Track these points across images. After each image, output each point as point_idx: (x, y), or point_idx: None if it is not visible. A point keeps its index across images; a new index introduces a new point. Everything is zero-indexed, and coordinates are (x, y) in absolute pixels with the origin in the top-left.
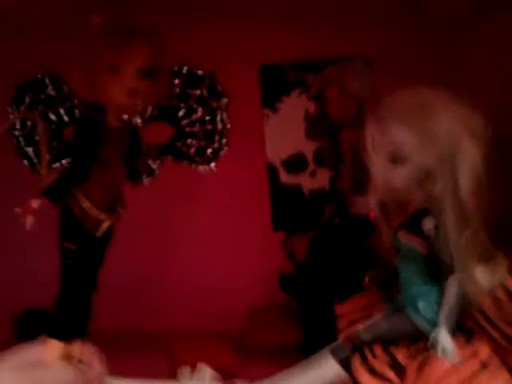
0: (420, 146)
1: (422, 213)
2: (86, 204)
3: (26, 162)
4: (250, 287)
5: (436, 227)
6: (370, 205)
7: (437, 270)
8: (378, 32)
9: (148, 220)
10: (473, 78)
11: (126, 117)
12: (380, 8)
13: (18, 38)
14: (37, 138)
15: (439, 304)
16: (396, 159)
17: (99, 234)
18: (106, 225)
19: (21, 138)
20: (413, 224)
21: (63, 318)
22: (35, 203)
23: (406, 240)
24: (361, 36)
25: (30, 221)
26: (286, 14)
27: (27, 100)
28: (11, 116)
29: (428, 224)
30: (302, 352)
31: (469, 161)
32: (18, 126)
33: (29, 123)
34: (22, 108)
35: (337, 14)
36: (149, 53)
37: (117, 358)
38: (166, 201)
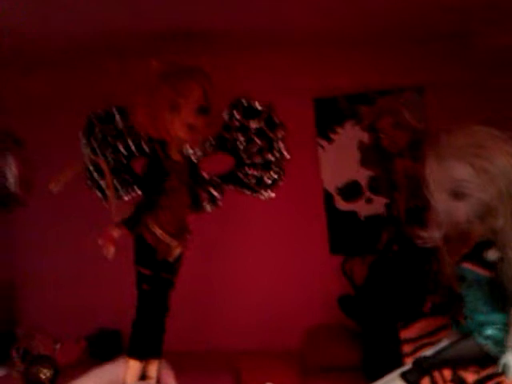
0: (479, 183)
1: (485, 244)
2: (159, 231)
3: (98, 193)
4: (310, 308)
5: (500, 259)
6: (432, 237)
7: (502, 298)
8: (430, 63)
9: (212, 245)
10: None
11: (186, 150)
12: (432, 39)
13: (88, 71)
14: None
15: (506, 330)
16: (457, 195)
17: (172, 259)
18: (177, 250)
19: (94, 171)
20: (476, 255)
21: (140, 339)
22: (116, 233)
23: (471, 269)
24: (413, 67)
25: (111, 250)
26: (338, 46)
27: (97, 132)
28: (83, 151)
29: (492, 255)
30: (364, 373)
31: None
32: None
33: (97, 154)
34: (92, 141)
35: (389, 45)
36: (203, 92)
37: (186, 378)
38: (229, 227)
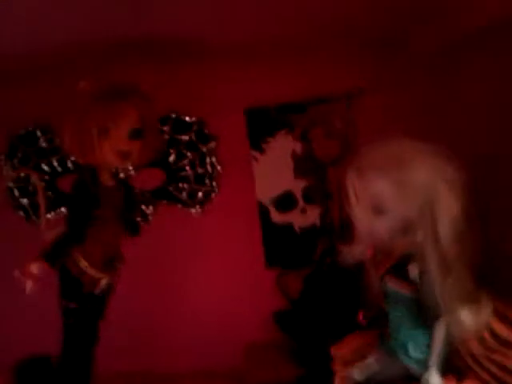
0: (398, 197)
1: (407, 259)
2: (83, 264)
3: (21, 213)
4: (248, 325)
5: (421, 273)
6: (355, 252)
7: (425, 313)
8: (361, 72)
9: (145, 262)
10: (456, 117)
11: (119, 173)
12: (364, 47)
13: (8, 90)
14: (31, 189)
15: (429, 346)
16: (377, 210)
17: (98, 292)
18: (103, 283)
19: (15, 190)
20: (399, 269)
21: (67, 373)
22: (34, 268)
23: (394, 285)
24: (344, 76)
25: (29, 285)
26: (268, 56)
27: (20, 154)
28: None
29: (413, 270)
30: None
31: (446, 210)
32: (11, 179)
33: (22, 175)
34: (15, 162)
35: (320, 54)
36: (136, 114)
37: None
38: (162, 244)
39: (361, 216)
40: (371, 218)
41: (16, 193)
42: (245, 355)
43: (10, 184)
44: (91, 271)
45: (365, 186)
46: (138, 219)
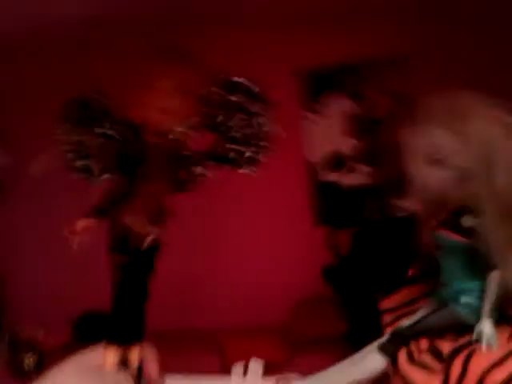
0: (455, 148)
1: (461, 211)
2: (130, 219)
3: (79, 175)
4: (297, 282)
5: (476, 223)
6: (409, 204)
7: (479, 265)
8: (413, 31)
9: (197, 222)
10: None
11: (167, 131)
12: (414, 6)
13: (62, 57)
14: (87, 151)
15: (482, 296)
16: (433, 161)
17: (144, 247)
18: (149, 238)
19: (70, 153)
20: (453, 222)
21: (119, 326)
22: (80, 225)
23: (448, 235)
24: (396, 36)
25: (76, 241)
26: (321, 20)
27: (74, 117)
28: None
29: (468, 222)
30: (348, 342)
31: (504, 160)
32: (66, 141)
33: (75, 138)
34: (68, 125)
35: (372, 15)
36: (181, 74)
37: (171, 356)
38: (213, 204)
39: (416, 168)
40: (427, 169)
41: (71, 155)
42: (293, 311)
43: (66, 146)
44: (137, 226)
45: (420, 136)
46: (186, 178)
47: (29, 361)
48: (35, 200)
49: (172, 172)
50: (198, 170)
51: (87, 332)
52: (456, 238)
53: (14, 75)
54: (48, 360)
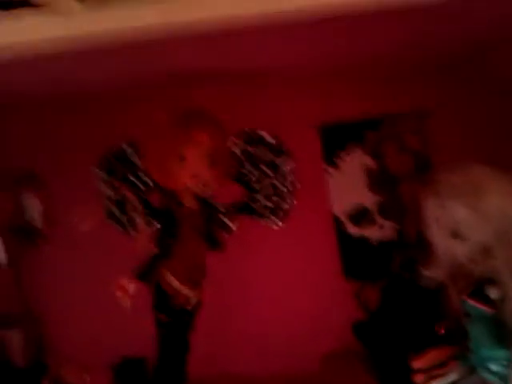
0: (476, 224)
1: (487, 282)
2: (176, 284)
3: (118, 226)
4: (326, 335)
5: (500, 296)
6: (434, 275)
7: (505, 334)
8: (435, 89)
9: (227, 273)
10: None
11: (201, 194)
12: (439, 65)
13: (101, 114)
14: (125, 203)
15: (509, 363)
16: (455, 235)
17: (190, 308)
18: (194, 300)
19: (112, 205)
20: (480, 292)
21: (163, 377)
22: (130, 288)
23: (475, 304)
24: (417, 92)
25: (127, 302)
26: (343, 76)
27: (111, 169)
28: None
29: (494, 293)
30: None
31: None
32: (107, 194)
33: (116, 189)
34: (105, 176)
35: (393, 71)
36: (208, 137)
37: None
38: (243, 255)
39: (440, 240)
40: (450, 242)
41: (113, 207)
42: (322, 364)
43: (106, 198)
44: (184, 290)
45: (444, 213)
46: (221, 234)
47: None
48: (73, 248)
49: (208, 231)
50: (231, 222)
51: (127, 378)
52: (483, 307)
53: (56, 129)
54: None
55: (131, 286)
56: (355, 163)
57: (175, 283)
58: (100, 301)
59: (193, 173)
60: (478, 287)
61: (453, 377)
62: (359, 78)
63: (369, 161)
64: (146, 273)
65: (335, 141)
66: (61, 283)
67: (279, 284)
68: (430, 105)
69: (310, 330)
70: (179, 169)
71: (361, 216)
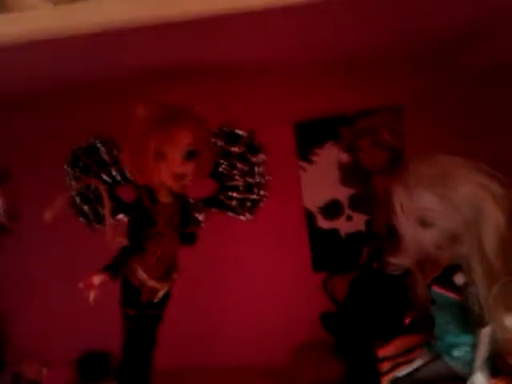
0: (445, 212)
1: (453, 268)
2: (143, 276)
3: (82, 219)
4: (295, 326)
5: (467, 283)
6: (402, 263)
7: (470, 320)
8: (408, 82)
9: (197, 266)
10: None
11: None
12: (411, 58)
13: (72, 104)
14: (93, 197)
15: (474, 350)
16: (423, 223)
17: (157, 299)
18: (161, 293)
19: (77, 197)
20: (446, 279)
21: (127, 373)
22: (96, 280)
23: (441, 291)
24: (391, 87)
25: (92, 296)
26: (316, 71)
27: (81, 164)
28: (69, 182)
29: (459, 280)
30: None
31: (492, 224)
32: (73, 187)
33: (84, 184)
34: (76, 171)
35: (366, 66)
36: (190, 137)
37: None
38: (213, 249)
39: (407, 228)
40: (418, 231)
41: (78, 200)
42: (292, 356)
43: (73, 193)
44: (151, 283)
45: (411, 201)
46: (194, 230)
47: None
48: (37, 243)
49: (182, 226)
50: (201, 216)
51: (90, 372)
52: (449, 294)
53: (23, 123)
54: None
55: (97, 279)
56: (330, 159)
57: (144, 276)
58: (64, 295)
59: (172, 171)
60: (443, 274)
61: (418, 363)
62: (335, 72)
63: (343, 156)
64: (115, 265)
65: (311, 137)
66: (24, 278)
67: (249, 277)
68: (404, 99)
69: (281, 322)
70: (157, 165)
71: (332, 209)
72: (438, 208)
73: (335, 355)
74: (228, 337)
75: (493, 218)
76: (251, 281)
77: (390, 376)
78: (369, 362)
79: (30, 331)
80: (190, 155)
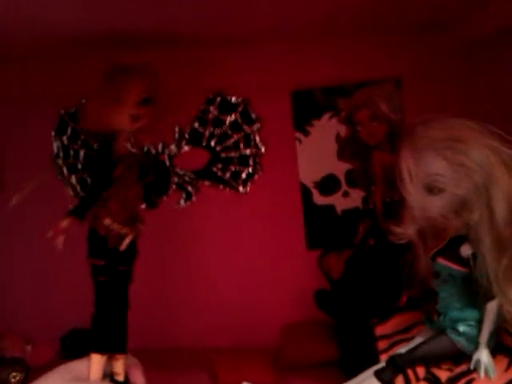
0: (454, 177)
1: (459, 240)
2: (108, 221)
3: (69, 189)
4: (287, 304)
5: (474, 253)
6: (406, 232)
7: (476, 294)
8: (406, 54)
9: (187, 240)
10: (504, 95)
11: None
12: (408, 29)
13: (59, 69)
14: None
15: (479, 324)
16: (432, 189)
17: (122, 247)
18: (127, 239)
19: (64, 167)
20: (451, 250)
21: (101, 333)
22: (63, 223)
23: (445, 263)
24: (390, 59)
25: (61, 241)
26: (314, 40)
27: (69, 131)
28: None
29: (465, 251)
30: (340, 368)
31: (502, 191)
32: (60, 156)
33: (71, 152)
34: (64, 139)
35: (365, 37)
36: (145, 84)
37: (160, 375)
38: (204, 222)
39: (414, 194)
40: (425, 198)
41: (65, 170)
42: (283, 335)
43: (59, 161)
44: (115, 226)
45: (419, 164)
46: (156, 198)
47: (15, 378)
48: (18, 217)
49: (150, 185)
50: (192, 187)
51: (75, 349)
52: (454, 266)
53: (5, 84)
54: (35, 377)
55: (63, 223)
56: (327, 131)
57: (108, 222)
58: (45, 270)
59: (128, 112)
60: (448, 246)
61: (418, 341)
62: (333, 43)
63: (340, 129)
64: (78, 208)
65: (307, 108)
66: (3, 252)
67: (240, 252)
68: (402, 71)
69: (272, 300)
70: (115, 109)
71: (329, 184)
72: (447, 173)
73: (329, 336)
74: (217, 315)
75: (503, 184)
76: (243, 256)
77: (389, 354)
78: (365, 340)
79: (12, 307)
80: (145, 102)
